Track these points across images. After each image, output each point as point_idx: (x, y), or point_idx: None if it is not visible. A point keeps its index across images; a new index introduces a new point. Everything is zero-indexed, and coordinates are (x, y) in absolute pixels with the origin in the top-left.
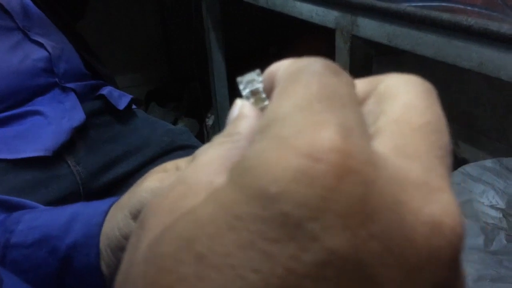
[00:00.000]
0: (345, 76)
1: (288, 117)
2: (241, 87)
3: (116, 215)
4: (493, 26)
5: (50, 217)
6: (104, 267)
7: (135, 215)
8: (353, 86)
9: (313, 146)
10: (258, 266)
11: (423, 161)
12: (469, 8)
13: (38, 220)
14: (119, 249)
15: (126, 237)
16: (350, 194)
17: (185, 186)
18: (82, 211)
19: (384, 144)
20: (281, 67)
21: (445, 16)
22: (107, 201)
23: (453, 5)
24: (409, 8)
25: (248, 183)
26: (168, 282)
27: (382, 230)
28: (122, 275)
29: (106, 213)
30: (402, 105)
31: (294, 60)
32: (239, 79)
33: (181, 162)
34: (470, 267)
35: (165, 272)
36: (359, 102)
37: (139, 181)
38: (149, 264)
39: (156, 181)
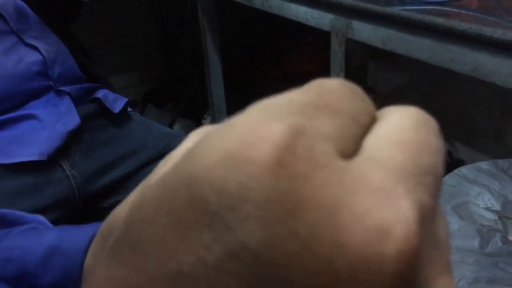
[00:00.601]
0: (361, 100)
1: (257, 111)
2: None
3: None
4: (487, 31)
5: (26, 248)
6: None
7: None
8: (363, 114)
9: (253, 135)
10: (175, 253)
11: (391, 171)
12: (464, 12)
13: (14, 251)
14: None
15: None
16: (273, 186)
17: (153, 175)
18: (59, 243)
19: (359, 154)
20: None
21: (439, 20)
22: (87, 231)
23: (448, 9)
24: (403, 12)
25: (182, 166)
26: (113, 266)
27: (307, 230)
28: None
29: (86, 250)
30: (388, 123)
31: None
32: None
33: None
34: (466, 269)
35: (112, 255)
36: (359, 123)
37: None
38: (100, 250)
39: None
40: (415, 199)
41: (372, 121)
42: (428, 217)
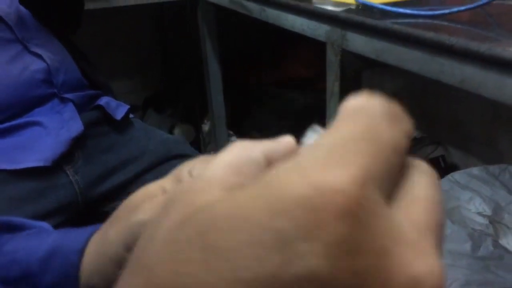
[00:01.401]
0: (402, 124)
1: (319, 150)
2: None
3: (105, 251)
4: (473, 45)
5: (29, 249)
6: None
7: (130, 248)
8: (404, 137)
9: (325, 182)
10: (251, 266)
11: (421, 228)
12: (454, 25)
13: (18, 253)
14: (113, 279)
15: (120, 267)
16: (341, 231)
17: (204, 182)
18: (59, 244)
19: (397, 206)
20: (349, 103)
21: (428, 34)
22: (85, 232)
23: (439, 22)
24: (395, 26)
25: (263, 194)
26: (179, 261)
27: (363, 269)
28: (140, 250)
29: (81, 252)
30: (415, 182)
31: (361, 97)
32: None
33: (166, 183)
34: (458, 272)
35: (178, 253)
36: (401, 153)
37: (126, 213)
38: (167, 245)
39: (148, 213)
40: (438, 253)
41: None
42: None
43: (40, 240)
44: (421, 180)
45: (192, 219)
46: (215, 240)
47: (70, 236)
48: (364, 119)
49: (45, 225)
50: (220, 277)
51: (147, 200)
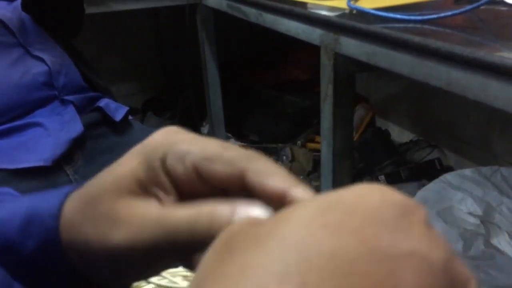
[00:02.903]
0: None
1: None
2: None
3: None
4: (458, 49)
5: (5, 221)
6: (73, 256)
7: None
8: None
9: None
10: None
11: None
12: (442, 29)
13: None
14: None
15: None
16: None
17: None
18: (35, 210)
19: None
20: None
21: (417, 39)
22: (58, 194)
23: (429, 27)
24: (385, 30)
25: None
26: None
27: None
28: None
29: (57, 216)
30: None
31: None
32: None
33: (138, 172)
34: None
35: None
36: None
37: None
38: None
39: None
40: None
41: None
42: None
43: (10, 210)
44: None
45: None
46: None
47: (44, 200)
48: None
49: (6, 189)
50: None
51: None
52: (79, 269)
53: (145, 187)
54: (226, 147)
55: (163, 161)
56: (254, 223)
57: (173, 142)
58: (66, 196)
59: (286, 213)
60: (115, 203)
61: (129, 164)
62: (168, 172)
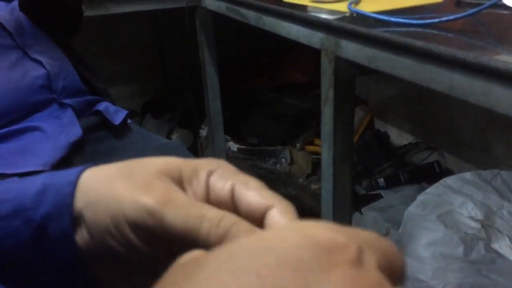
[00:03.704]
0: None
1: None
2: None
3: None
4: (460, 54)
5: (21, 189)
6: (80, 238)
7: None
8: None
9: None
10: None
11: None
12: (444, 33)
13: (11, 193)
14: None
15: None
16: None
17: None
18: (51, 180)
19: None
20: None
21: (418, 43)
22: (76, 169)
23: (430, 31)
24: (386, 34)
25: None
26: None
27: None
28: None
29: (74, 183)
30: None
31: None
32: None
33: (185, 168)
34: (450, 276)
35: None
36: None
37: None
38: None
39: (155, 200)
40: None
41: None
42: None
43: (32, 180)
44: None
45: None
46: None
47: (60, 174)
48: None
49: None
50: None
51: (161, 178)
52: (85, 251)
53: (182, 181)
54: (266, 188)
55: (210, 173)
56: (195, 258)
57: (224, 164)
58: (84, 169)
59: (209, 255)
60: (156, 177)
61: (178, 159)
62: (207, 182)
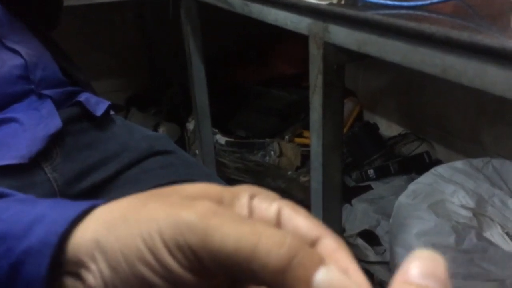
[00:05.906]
0: None
1: None
2: None
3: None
4: (453, 34)
5: (19, 213)
6: (91, 279)
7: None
8: None
9: None
10: None
11: None
12: (437, 16)
13: (8, 212)
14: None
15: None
16: None
17: None
18: (48, 212)
19: None
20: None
21: (410, 24)
22: (77, 205)
23: (421, 13)
24: (376, 16)
25: None
26: None
27: None
28: None
29: (70, 222)
30: None
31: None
32: None
33: (225, 193)
34: None
35: None
36: None
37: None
38: None
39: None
40: None
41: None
42: None
43: (31, 206)
44: None
45: None
46: None
47: (59, 207)
48: None
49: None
50: None
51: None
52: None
53: (222, 204)
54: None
55: (252, 196)
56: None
57: (265, 190)
58: (97, 204)
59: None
60: (195, 199)
61: (215, 185)
62: (250, 205)
